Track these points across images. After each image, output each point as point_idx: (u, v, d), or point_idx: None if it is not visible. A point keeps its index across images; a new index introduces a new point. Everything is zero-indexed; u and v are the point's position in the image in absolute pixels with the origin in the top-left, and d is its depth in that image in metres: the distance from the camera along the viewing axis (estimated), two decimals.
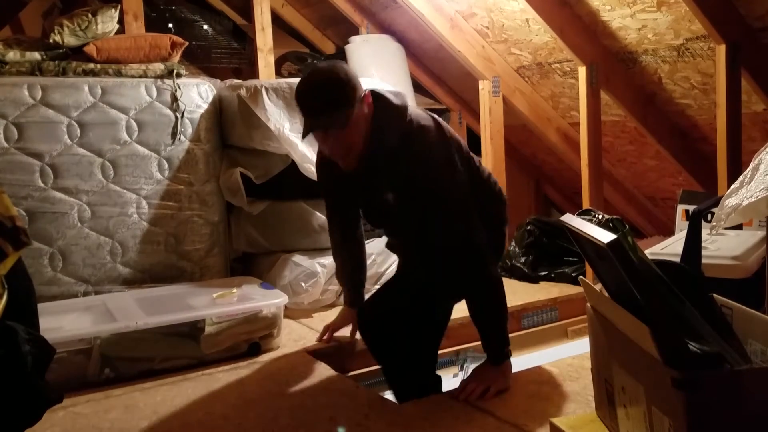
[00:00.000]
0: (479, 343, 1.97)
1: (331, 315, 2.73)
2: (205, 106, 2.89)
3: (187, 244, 2.83)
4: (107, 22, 2.80)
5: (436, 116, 1.96)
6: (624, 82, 3.01)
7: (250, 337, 2.31)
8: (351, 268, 2.29)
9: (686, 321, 1.12)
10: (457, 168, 1.88)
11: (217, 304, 2.39)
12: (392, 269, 2.95)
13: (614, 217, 2.82)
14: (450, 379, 2.52)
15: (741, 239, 2.25)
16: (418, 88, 4.02)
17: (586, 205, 3.02)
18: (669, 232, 3.38)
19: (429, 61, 4.05)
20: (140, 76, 2.78)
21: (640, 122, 3.09)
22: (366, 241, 2.93)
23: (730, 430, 1.02)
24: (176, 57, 2.88)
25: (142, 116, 2.75)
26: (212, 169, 2.90)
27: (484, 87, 3.46)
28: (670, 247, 2.24)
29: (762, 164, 1.88)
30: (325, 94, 1.77)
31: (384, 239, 2.99)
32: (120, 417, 1.89)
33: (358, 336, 2.26)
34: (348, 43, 3.84)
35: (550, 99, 3.55)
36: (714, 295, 1.27)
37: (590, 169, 3.02)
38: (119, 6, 2.93)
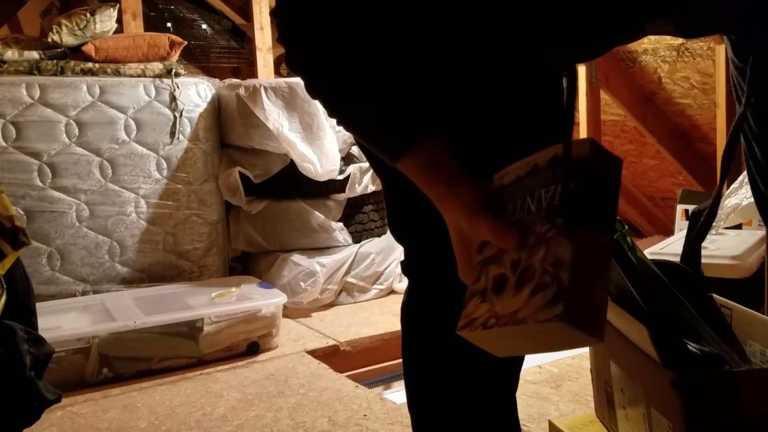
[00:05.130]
0: None
1: (331, 315, 2.74)
2: (204, 105, 2.88)
3: (185, 243, 2.83)
4: (106, 22, 2.80)
5: None
6: (623, 81, 3.01)
7: (249, 336, 2.31)
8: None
9: (685, 321, 1.12)
10: None
11: (216, 303, 2.38)
12: (391, 268, 2.95)
13: None
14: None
15: (741, 239, 2.25)
16: None
17: None
18: (668, 231, 3.38)
19: None
20: (139, 76, 2.78)
21: (639, 122, 3.09)
22: (365, 240, 2.95)
23: None
24: (175, 56, 2.88)
25: (141, 115, 2.75)
26: (211, 168, 2.89)
27: None
28: (669, 247, 2.24)
29: None
30: None
31: (382, 239, 2.99)
32: (118, 417, 1.89)
33: None
34: None
35: None
36: (713, 295, 1.26)
37: None
38: (118, 5, 2.93)
